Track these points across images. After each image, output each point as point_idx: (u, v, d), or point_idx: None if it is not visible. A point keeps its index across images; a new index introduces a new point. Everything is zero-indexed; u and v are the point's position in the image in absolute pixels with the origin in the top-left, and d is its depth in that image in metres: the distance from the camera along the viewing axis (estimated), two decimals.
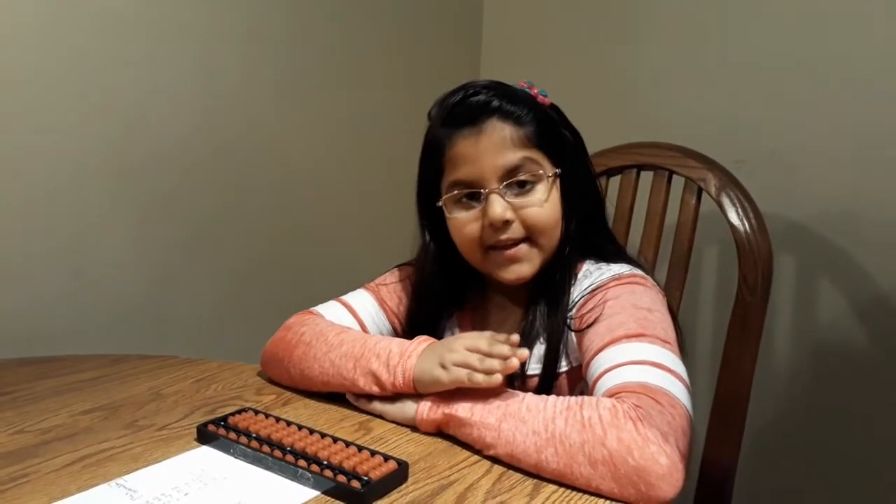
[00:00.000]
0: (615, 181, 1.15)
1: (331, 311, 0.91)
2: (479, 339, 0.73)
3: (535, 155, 0.81)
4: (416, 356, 0.75)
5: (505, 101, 0.80)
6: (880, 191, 1.25)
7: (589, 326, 0.77)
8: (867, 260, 1.27)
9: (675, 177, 1.09)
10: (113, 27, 1.14)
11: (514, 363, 0.69)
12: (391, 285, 0.95)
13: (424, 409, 0.73)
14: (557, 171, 0.82)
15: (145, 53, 1.18)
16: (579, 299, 0.82)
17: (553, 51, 1.61)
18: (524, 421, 0.67)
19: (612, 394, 0.67)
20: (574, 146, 0.86)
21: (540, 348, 0.83)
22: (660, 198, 1.10)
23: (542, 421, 0.66)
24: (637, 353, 0.71)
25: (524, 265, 0.82)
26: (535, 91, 0.84)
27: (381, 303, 0.94)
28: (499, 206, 0.79)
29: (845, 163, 1.27)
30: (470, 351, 0.72)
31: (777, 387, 1.36)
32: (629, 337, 0.72)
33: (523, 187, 0.81)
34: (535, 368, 0.83)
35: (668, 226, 1.11)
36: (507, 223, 0.80)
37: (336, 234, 1.52)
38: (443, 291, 0.89)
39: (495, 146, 0.80)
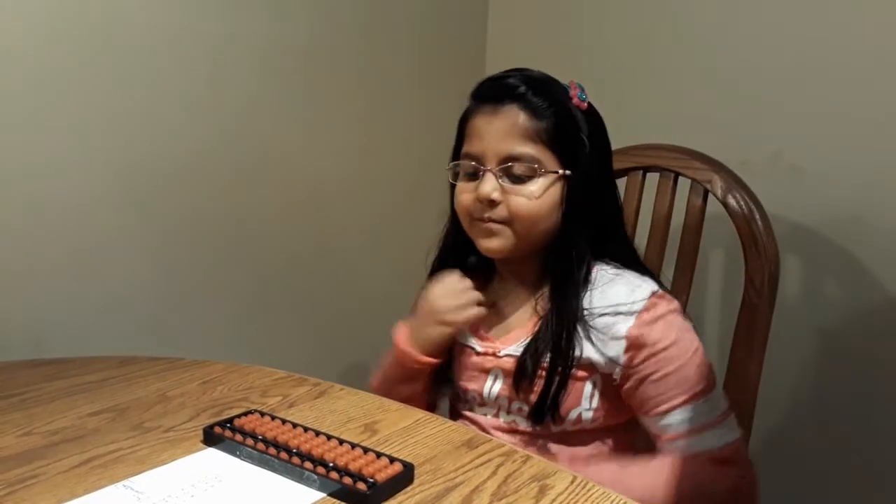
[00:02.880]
0: (621, 183, 1.14)
1: None
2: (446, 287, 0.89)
3: (541, 151, 0.84)
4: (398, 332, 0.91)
5: (532, 91, 0.84)
6: (887, 191, 1.24)
7: (652, 373, 0.83)
8: (874, 261, 1.26)
9: (680, 178, 1.09)
10: (121, 33, 1.14)
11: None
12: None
13: None
14: (564, 172, 0.85)
15: (153, 59, 1.19)
16: (620, 311, 0.84)
17: (557, 53, 1.60)
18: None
19: (714, 457, 0.81)
20: (592, 154, 0.87)
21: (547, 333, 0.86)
22: (665, 199, 1.10)
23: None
24: (706, 413, 0.82)
25: (494, 240, 0.87)
26: (576, 92, 0.87)
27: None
28: (489, 185, 0.84)
29: (851, 163, 1.27)
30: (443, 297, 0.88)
31: (784, 389, 1.36)
32: (696, 396, 0.82)
33: (519, 176, 0.84)
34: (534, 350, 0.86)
35: (674, 227, 1.11)
36: (492, 202, 0.84)
37: (341, 236, 1.52)
38: (455, 250, 0.95)
39: (504, 131, 0.83)
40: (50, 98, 1.09)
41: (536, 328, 0.87)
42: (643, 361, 0.83)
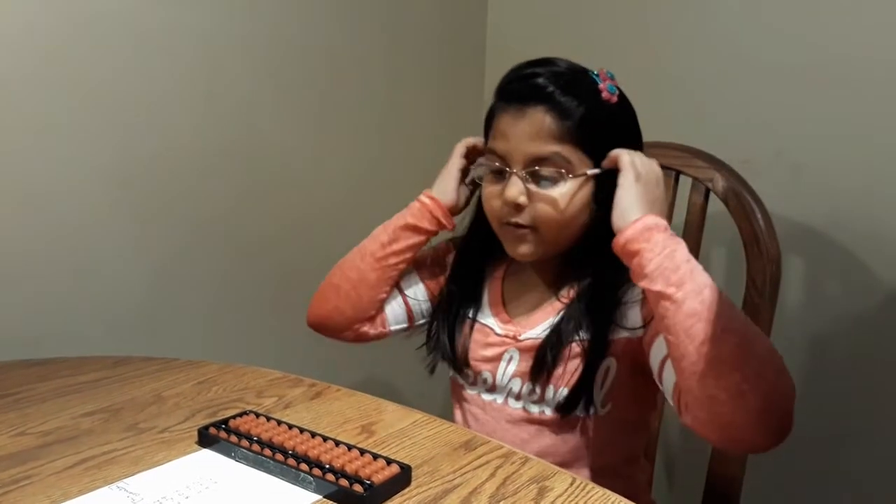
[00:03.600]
0: None
1: None
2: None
3: (570, 151, 0.81)
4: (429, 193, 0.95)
5: (560, 90, 0.81)
6: (890, 190, 1.23)
7: None
8: (877, 260, 1.26)
9: (682, 177, 1.09)
10: (115, 29, 1.14)
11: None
12: (428, 250, 1.01)
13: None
14: (595, 171, 0.82)
15: (147, 55, 1.18)
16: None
17: (558, 52, 1.60)
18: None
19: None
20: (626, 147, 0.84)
21: (579, 333, 0.85)
22: (667, 198, 1.09)
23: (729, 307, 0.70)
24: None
25: (523, 247, 0.85)
26: (605, 85, 0.84)
27: (415, 265, 1.00)
28: (515, 189, 0.82)
29: (853, 161, 1.26)
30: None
31: None
32: None
33: (547, 178, 0.82)
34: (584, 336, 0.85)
35: (675, 226, 1.09)
36: (518, 207, 0.83)
37: (338, 237, 1.51)
38: (480, 245, 0.94)
39: (530, 134, 0.81)
40: (48, 99, 1.09)
41: (560, 313, 0.86)
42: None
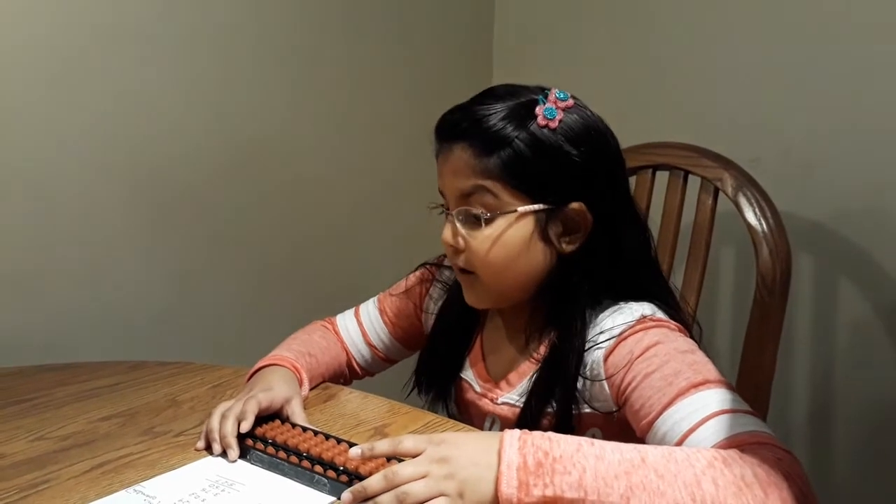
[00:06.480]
0: (630, 182, 1.14)
1: (344, 320, 0.97)
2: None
3: (497, 186, 0.74)
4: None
5: (481, 123, 0.74)
6: None
7: (632, 381, 0.70)
8: (888, 258, 1.25)
9: (690, 177, 1.09)
10: (130, 31, 1.15)
11: None
12: (397, 295, 0.96)
13: (512, 490, 0.57)
14: (529, 207, 0.74)
15: (161, 58, 1.19)
16: (599, 344, 0.75)
17: (565, 52, 1.60)
18: (661, 493, 0.55)
19: (745, 441, 0.61)
20: (575, 178, 0.75)
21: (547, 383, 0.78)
22: (676, 198, 1.09)
23: (683, 487, 0.56)
24: (716, 402, 0.65)
25: (471, 293, 0.80)
26: (541, 109, 0.74)
27: (382, 313, 0.96)
28: (447, 231, 0.78)
29: (863, 159, 1.26)
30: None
31: (796, 388, 1.35)
32: (695, 386, 0.66)
33: (477, 218, 0.75)
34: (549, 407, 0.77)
35: (684, 226, 1.10)
36: (457, 250, 0.77)
37: (354, 240, 1.52)
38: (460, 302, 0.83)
39: (454, 172, 0.76)
40: (62, 103, 1.10)
41: (532, 378, 0.79)
42: (623, 376, 0.71)
